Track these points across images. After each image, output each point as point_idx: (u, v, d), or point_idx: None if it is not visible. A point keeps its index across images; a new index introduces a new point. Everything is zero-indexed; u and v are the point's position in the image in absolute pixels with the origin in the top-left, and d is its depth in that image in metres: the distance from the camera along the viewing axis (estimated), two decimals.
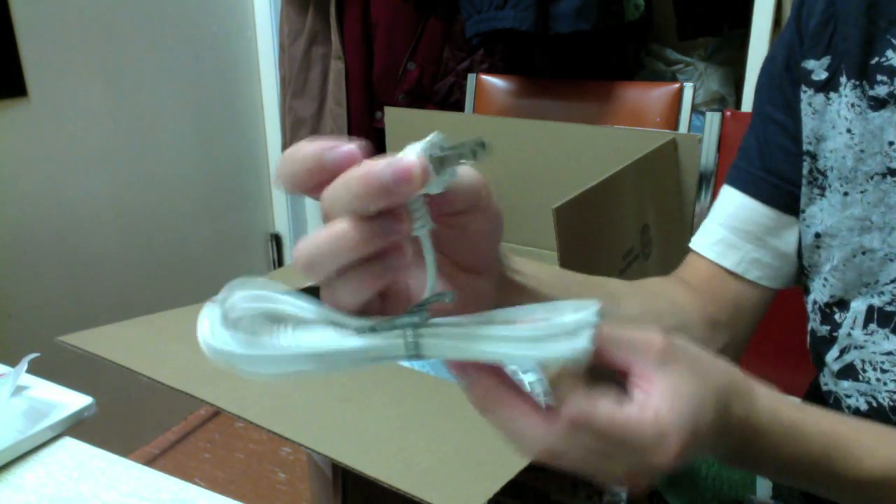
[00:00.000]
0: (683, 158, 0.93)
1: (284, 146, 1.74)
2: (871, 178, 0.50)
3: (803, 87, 0.54)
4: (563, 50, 1.47)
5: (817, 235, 0.53)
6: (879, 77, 0.49)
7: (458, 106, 1.48)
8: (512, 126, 1.03)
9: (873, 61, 0.50)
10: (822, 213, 0.53)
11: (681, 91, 1.23)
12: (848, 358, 0.53)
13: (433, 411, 0.63)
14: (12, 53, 1.30)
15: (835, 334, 0.53)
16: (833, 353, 0.54)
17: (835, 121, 0.51)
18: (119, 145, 1.53)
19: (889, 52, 0.49)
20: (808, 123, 0.53)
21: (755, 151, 0.58)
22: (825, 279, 0.53)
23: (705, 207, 1.12)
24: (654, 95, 1.26)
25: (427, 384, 0.71)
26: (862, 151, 0.50)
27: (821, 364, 0.56)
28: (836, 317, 0.53)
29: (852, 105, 0.50)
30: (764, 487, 0.75)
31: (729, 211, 0.58)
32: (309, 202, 2.01)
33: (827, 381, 0.56)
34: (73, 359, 0.75)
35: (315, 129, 1.62)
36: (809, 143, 0.53)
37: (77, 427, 0.62)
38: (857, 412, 0.53)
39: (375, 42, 1.49)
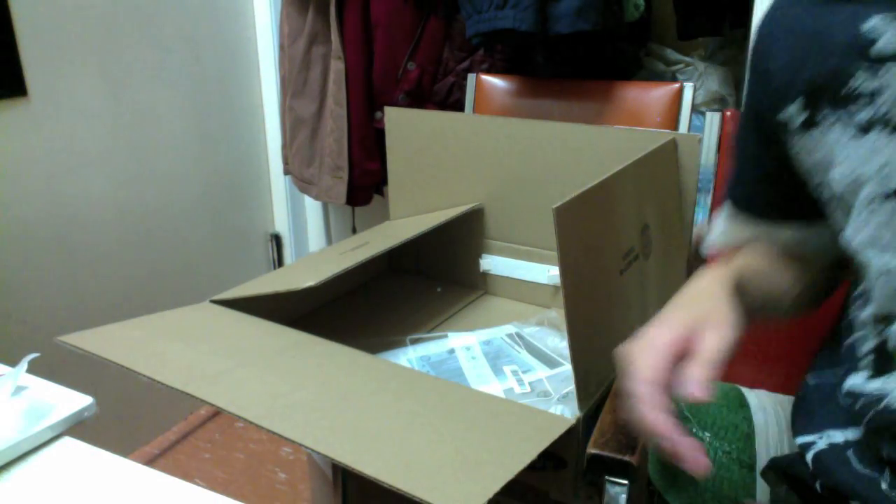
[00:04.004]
0: (683, 158, 0.93)
1: (284, 146, 1.74)
2: (872, 201, 0.51)
3: (789, 136, 0.56)
4: (563, 50, 1.47)
5: (855, 253, 0.54)
6: (859, 102, 0.50)
7: (458, 106, 1.48)
8: (512, 126, 1.03)
9: (845, 89, 0.51)
10: (852, 232, 0.54)
11: (681, 91, 1.23)
12: None
13: (433, 411, 0.63)
14: (12, 53, 1.30)
15: (888, 347, 0.54)
16: None
17: (833, 149, 0.53)
18: (119, 145, 1.54)
19: (855, 78, 0.50)
20: (810, 159, 0.55)
21: (738, 177, 0.67)
22: (871, 294, 0.54)
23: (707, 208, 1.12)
24: (654, 95, 1.26)
25: (427, 384, 0.71)
26: (858, 176, 0.51)
27: (888, 368, 0.55)
28: (884, 331, 0.53)
29: (842, 134, 0.52)
30: (763, 491, 0.75)
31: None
32: (309, 202, 2.01)
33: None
34: (73, 359, 0.75)
35: (315, 129, 1.62)
36: (819, 175, 0.55)
37: (77, 427, 0.62)
38: None
39: (375, 42, 1.49)
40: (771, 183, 0.64)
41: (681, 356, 0.50)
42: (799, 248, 0.67)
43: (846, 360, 0.57)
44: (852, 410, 0.57)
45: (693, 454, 0.45)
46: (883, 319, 0.53)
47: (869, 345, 0.56)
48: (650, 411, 0.47)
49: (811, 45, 0.53)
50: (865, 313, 0.55)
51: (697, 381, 0.47)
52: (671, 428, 0.46)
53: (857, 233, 0.53)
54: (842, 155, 0.52)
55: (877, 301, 0.53)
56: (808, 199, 0.60)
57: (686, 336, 0.52)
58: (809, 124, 0.54)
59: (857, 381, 0.56)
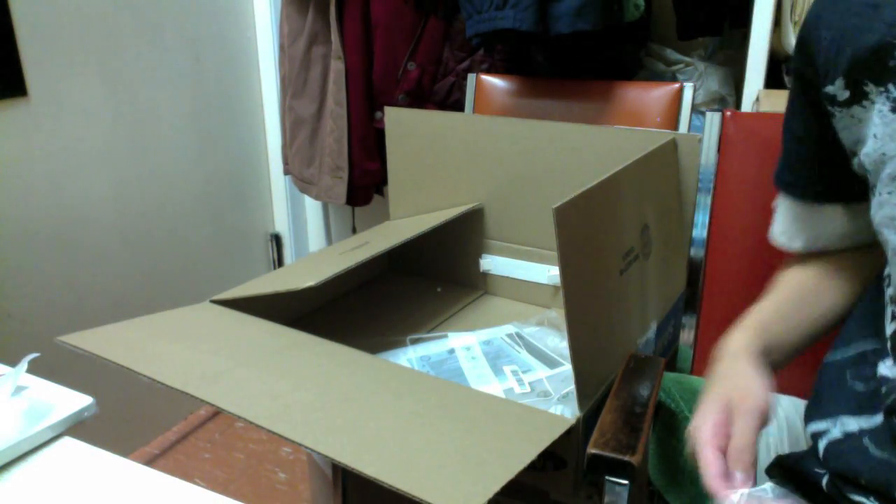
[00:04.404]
0: (683, 158, 0.93)
1: (284, 146, 1.74)
2: (893, 179, 0.51)
3: (835, 108, 0.57)
4: (563, 50, 1.47)
5: (877, 230, 0.56)
6: None
7: (458, 106, 1.48)
8: (512, 126, 1.03)
9: (891, 64, 0.51)
10: (871, 212, 0.55)
11: (681, 91, 1.23)
12: None
13: (433, 411, 0.63)
14: (12, 53, 1.30)
15: None
16: None
17: (869, 126, 0.54)
18: (119, 145, 1.54)
19: None
20: (854, 133, 0.56)
21: (788, 161, 0.70)
22: (892, 273, 0.55)
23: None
24: (654, 95, 1.26)
25: (427, 384, 0.71)
26: (883, 154, 0.52)
27: None
28: None
29: (879, 110, 0.52)
30: (762, 491, 0.75)
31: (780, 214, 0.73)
32: (309, 202, 2.01)
33: None
34: (73, 359, 0.75)
35: (315, 129, 1.62)
36: (860, 147, 0.56)
37: (77, 427, 0.62)
38: None
39: (375, 42, 1.49)
40: (818, 164, 0.65)
41: (725, 433, 0.58)
42: (850, 237, 0.68)
43: (878, 340, 0.58)
44: (878, 395, 0.57)
45: None
46: None
47: (892, 326, 0.57)
48: (711, 477, 0.55)
49: (857, 22, 0.53)
50: (889, 293, 0.56)
51: (740, 480, 0.55)
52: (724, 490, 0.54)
53: (878, 211, 0.53)
54: (873, 131, 0.53)
55: (894, 280, 0.53)
56: (855, 179, 0.60)
57: (723, 419, 0.58)
58: (852, 101, 0.55)
59: (885, 368, 0.56)
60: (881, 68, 0.52)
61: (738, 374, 0.62)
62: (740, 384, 0.60)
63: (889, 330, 0.57)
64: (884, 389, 0.56)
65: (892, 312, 0.56)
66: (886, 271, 0.58)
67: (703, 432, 0.57)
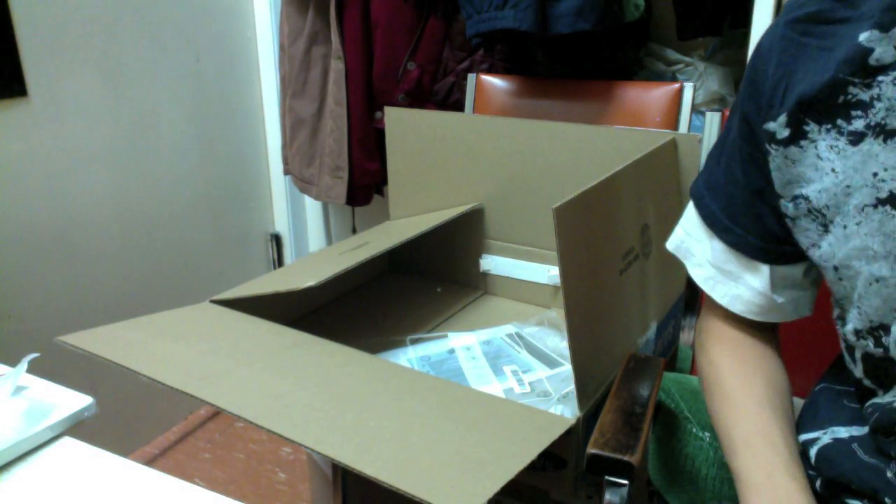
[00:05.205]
0: (683, 158, 0.93)
1: (284, 146, 1.74)
2: (862, 209, 0.51)
3: (771, 146, 0.56)
4: (563, 50, 1.47)
5: (835, 269, 0.54)
6: (854, 112, 0.51)
7: (458, 106, 1.48)
8: (512, 126, 1.03)
9: (840, 100, 0.52)
10: (831, 247, 0.54)
11: (681, 91, 1.23)
12: None
13: (433, 411, 0.63)
14: (12, 53, 1.30)
15: (891, 354, 0.53)
16: None
17: (816, 164, 0.53)
18: (119, 145, 1.54)
19: (851, 89, 0.51)
20: (787, 173, 0.56)
21: (723, 202, 0.64)
22: (858, 307, 0.54)
23: None
24: (654, 95, 1.26)
25: (427, 384, 0.71)
26: (848, 187, 0.52)
27: (890, 381, 0.56)
28: (884, 340, 0.53)
29: (831, 147, 0.53)
30: None
31: (706, 249, 0.66)
32: (309, 202, 2.01)
33: None
34: (73, 359, 0.75)
35: (315, 129, 1.62)
36: (799, 187, 0.55)
37: (77, 427, 0.62)
38: None
39: (375, 42, 1.49)
40: (755, 214, 0.62)
41: None
42: (766, 305, 0.64)
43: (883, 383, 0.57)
44: (864, 415, 0.57)
45: None
46: (876, 329, 0.53)
47: (859, 369, 0.57)
48: None
49: (809, 64, 0.54)
50: (848, 329, 0.55)
51: None
52: None
53: (844, 243, 0.53)
54: (828, 167, 0.53)
55: (865, 313, 0.53)
56: (785, 239, 0.60)
57: None
58: (790, 140, 0.55)
59: (877, 399, 0.56)
60: (829, 105, 0.52)
61: None
62: None
63: (858, 371, 0.57)
64: (869, 409, 0.56)
65: (859, 351, 0.56)
66: (837, 313, 0.57)
67: None
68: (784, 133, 0.55)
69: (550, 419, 0.65)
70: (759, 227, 0.61)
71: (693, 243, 0.68)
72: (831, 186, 0.53)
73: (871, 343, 0.54)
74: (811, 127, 0.53)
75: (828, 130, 0.53)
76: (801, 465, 0.57)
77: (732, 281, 0.65)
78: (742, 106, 0.60)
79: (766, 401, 0.61)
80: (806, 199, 0.55)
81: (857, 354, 0.57)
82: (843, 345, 0.59)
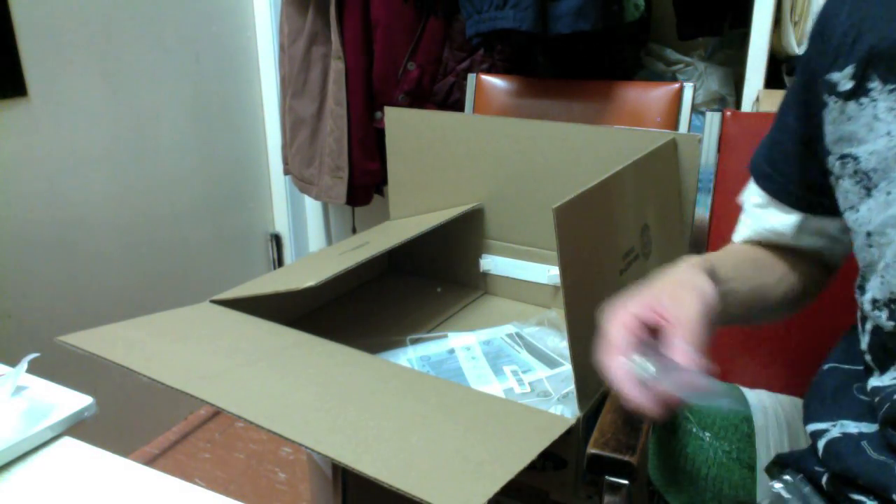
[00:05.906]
0: (683, 158, 0.93)
1: (284, 146, 1.74)
2: None
3: (831, 98, 0.55)
4: (563, 50, 1.47)
5: (868, 234, 0.54)
6: None
7: (458, 106, 1.48)
8: (512, 126, 1.03)
9: None
10: (870, 212, 0.54)
11: (681, 91, 1.23)
12: None
13: (433, 411, 0.63)
14: (12, 53, 1.30)
15: None
16: None
17: (872, 124, 0.53)
18: (119, 145, 1.53)
19: None
20: (840, 129, 0.55)
21: (766, 150, 0.67)
22: (881, 276, 0.53)
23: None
24: (654, 95, 1.26)
25: (427, 384, 0.71)
26: None
27: (888, 360, 0.56)
28: None
29: (891, 109, 0.51)
30: (763, 492, 0.75)
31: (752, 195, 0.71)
32: (309, 202, 2.01)
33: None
34: (73, 359, 0.75)
35: (315, 129, 1.62)
36: (849, 146, 0.55)
37: (77, 427, 0.62)
38: None
39: (375, 42, 1.49)
40: (799, 163, 0.64)
41: (651, 322, 0.53)
42: (797, 238, 0.68)
43: (882, 360, 0.57)
44: (872, 405, 0.57)
45: (644, 403, 0.49)
46: (894, 301, 0.53)
47: (866, 339, 0.56)
48: (612, 360, 0.51)
49: (878, 11, 0.52)
50: (867, 298, 0.55)
51: (681, 349, 0.49)
52: (625, 377, 0.50)
53: (884, 210, 0.52)
54: (884, 129, 0.52)
55: (889, 283, 0.53)
56: (826, 192, 0.60)
57: (656, 304, 0.54)
58: (851, 95, 0.54)
59: (875, 380, 0.56)
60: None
61: (677, 272, 0.59)
62: (680, 278, 0.57)
63: (864, 343, 0.57)
64: (876, 400, 0.56)
65: (871, 323, 0.56)
66: (858, 281, 0.57)
67: (618, 316, 0.54)
68: (847, 85, 0.54)
69: (550, 419, 0.65)
70: (801, 175, 0.63)
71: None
72: (883, 149, 0.52)
73: (884, 315, 0.54)
74: (875, 84, 0.52)
75: (891, 91, 0.51)
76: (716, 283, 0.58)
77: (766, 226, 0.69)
78: (807, 55, 0.59)
79: (750, 260, 0.67)
80: (854, 158, 0.54)
81: (868, 326, 0.57)
82: (857, 314, 0.59)
